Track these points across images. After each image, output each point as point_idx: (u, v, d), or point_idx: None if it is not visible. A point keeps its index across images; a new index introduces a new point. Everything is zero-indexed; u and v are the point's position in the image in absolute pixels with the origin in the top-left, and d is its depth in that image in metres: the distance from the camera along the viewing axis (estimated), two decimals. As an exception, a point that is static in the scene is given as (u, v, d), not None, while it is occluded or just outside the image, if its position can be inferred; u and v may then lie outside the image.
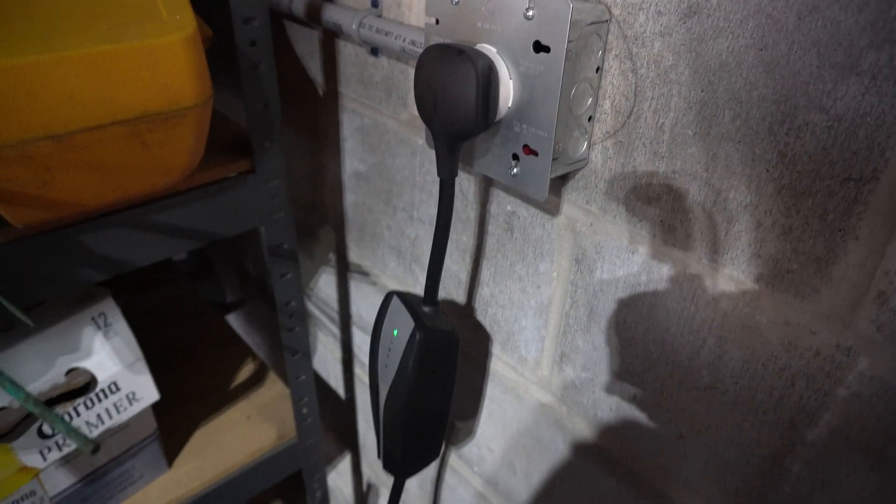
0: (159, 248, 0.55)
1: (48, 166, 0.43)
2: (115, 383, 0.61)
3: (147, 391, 0.65)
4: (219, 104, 0.86)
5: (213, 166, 0.58)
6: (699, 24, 0.37)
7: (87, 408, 0.61)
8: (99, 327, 0.60)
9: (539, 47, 0.39)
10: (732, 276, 0.41)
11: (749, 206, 0.38)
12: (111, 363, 0.60)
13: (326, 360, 1.04)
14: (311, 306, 1.00)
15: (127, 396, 0.62)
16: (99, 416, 0.62)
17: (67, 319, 0.59)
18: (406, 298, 0.52)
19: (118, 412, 0.63)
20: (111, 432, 0.66)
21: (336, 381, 1.03)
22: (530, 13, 0.39)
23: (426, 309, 0.51)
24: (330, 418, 1.11)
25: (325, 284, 0.92)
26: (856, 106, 0.32)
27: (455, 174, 0.45)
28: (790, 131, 0.35)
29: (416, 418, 0.53)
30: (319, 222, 0.87)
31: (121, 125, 0.44)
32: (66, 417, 0.60)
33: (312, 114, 0.77)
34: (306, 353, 0.75)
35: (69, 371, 0.59)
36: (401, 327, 0.50)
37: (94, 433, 0.62)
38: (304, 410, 0.79)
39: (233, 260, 1.25)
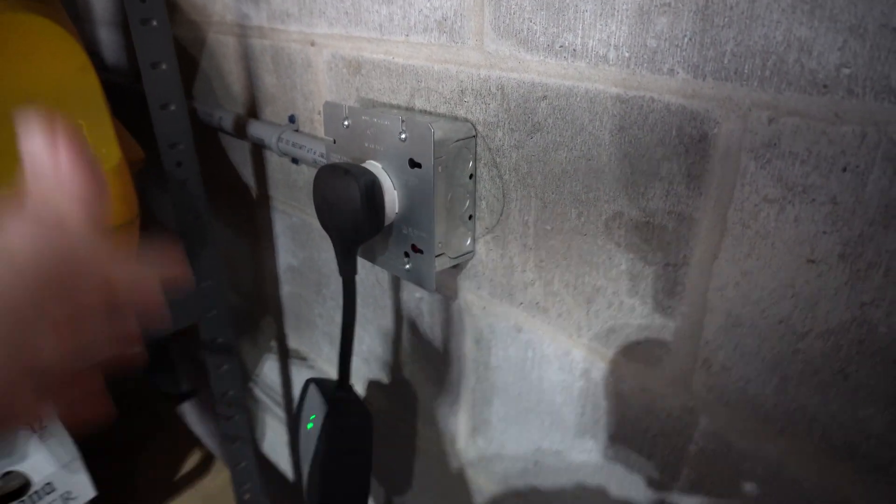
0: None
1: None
2: (49, 483, 0.63)
3: (83, 489, 0.67)
4: (159, 211, 0.92)
5: (146, 271, 0.62)
6: (542, 139, 0.44)
7: (22, 510, 0.63)
8: (34, 430, 0.63)
9: (413, 164, 0.46)
10: (598, 349, 0.46)
11: (601, 288, 0.44)
12: (46, 464, 0.63)
13: (275, 445, 1.05)
14: (258, 392, 1.02)
15: (62, 496, 0.64)
16: (35, 517, 0.64)
17: (5, 424, 0.62)
18: (322, 385, 0.56)
19: (54, 512, 0.65)
20: (50, 533, 0.67)
21: (285, 465, 1.05)
22: (403, 136, 0.46)
23: (340, 393, 0.55)
24: (284, 502, 1.11)
25: (270, 370, 0.96)
26: (663, 204, 0.39)
27: (354, 273, 0.51)
28: (620, 226, 0.42)
29: (335, 495, 0.56)
30: (261, 312, 0.91)
31: (50, 245, 0.49)
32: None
33: (249, 214, 0.83)
34: (247, 440, 0.78)
35: (4, 474, 0.61)
36: (317, 412, 0.54)
37: (32, 535, 0.63)
38: (247, 496, 0.81)
39: (187, 350, 1.27)
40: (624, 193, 0.41)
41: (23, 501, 0.62)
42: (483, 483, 0.62)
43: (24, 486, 0.63)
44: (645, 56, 0.37)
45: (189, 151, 0.60)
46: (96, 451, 0.68)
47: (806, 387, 0.36)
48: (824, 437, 0.36)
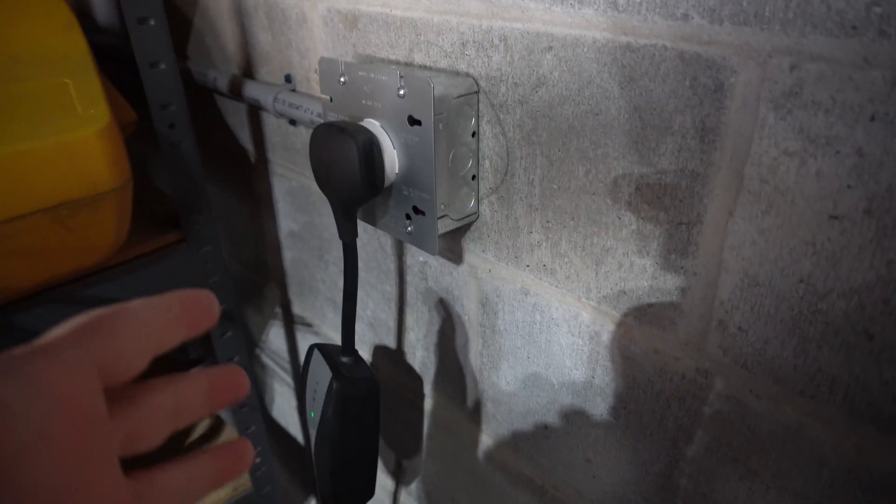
0: (94, 320, 0.58)
1: (-26, 257, 0.47)
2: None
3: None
4: (157, 176, 0.90)
5: (145, 239, 0.61)
6: (547, 93, 0.42)
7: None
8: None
9: (413, 121, 0.44)
10: (608, 312, 0.45)
11: (610, 249, 0.43)
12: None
13: (284, 410, 1.06)
14: (265, 358, 1.02)
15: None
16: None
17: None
18: (326, 350, 0.55)
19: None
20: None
21: (295, 429, 1.05)
22: (402, 92, 0.44)
23: (345, 359, 0.54)
24: (293, 465, 1.12)
25: (276, 337, 0.95)
26: (675, 160, 0.37)
27: (355, 236, 0.49)
28: (630, 184, 0.40)
29: (343, 461, 0.56)
30: (264, 279, 0.90)
31: (42, 213, 0.48)
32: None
33: (247, 179, 0.81)
34: (254, 406, 0.78)
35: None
36: (321, 378, 0.53)
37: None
38: (258, 460, 0.81)
39: (193, 317, 1.27)
40: (634, 149, 0.39)
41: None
42: (492, 445, 0.62)
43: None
44: (657, 1, 0.34)
45: (181, 112, 0.58)
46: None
47: (827, 348, 0.34)
48: (846, 399, 0.34)
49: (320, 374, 0.54)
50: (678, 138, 0.36)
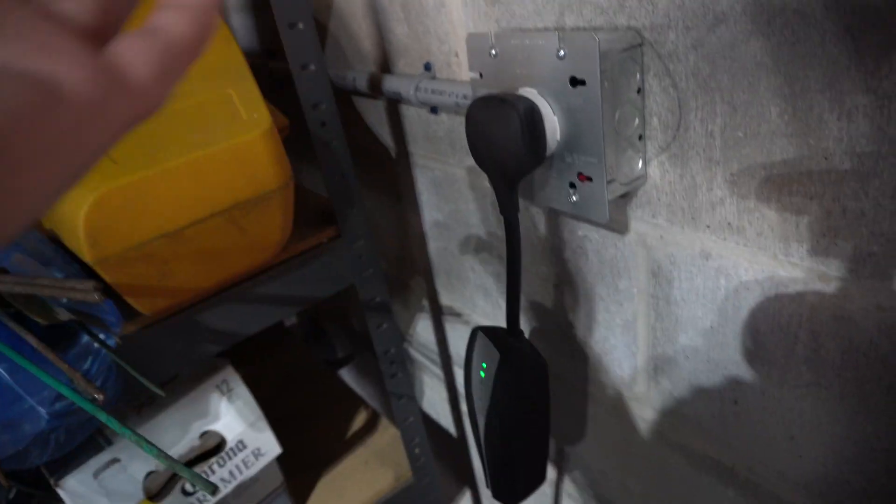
0: (265, 316, 0.61)
1: (165, 260, 0.50)
2: (241, 441, 0.67)
3: (270, 446, 0.71)
4: (306, 181, 0.94)
5: (303, 237, 0.63)
6: (728, 31, 0.38)
7: (220, 465, 0.67)
8: (223, 393, 0.67)
9: (575, 82, 0.42)
10: (813, 267, 0.40)
11: (816, 195, 0.38)
12: (236, 423, 0.67)
13: (435, 402, 1.07)
14: (413, 352, 1.04)
15: (253, 452, 0.69)
16: (231, 472, 0.69)
17: (196, 389, 0.67)
18: (490, 332, 0.54)
19: (247, 467, 0.70)
20: (243, 487, 0.72)
21: (447, 421, 1.06)
22: (561, 52, 0.41)
23: (510, 339, 0.53)
24: (447, 458, 1.13)
25: (423, 330, 0.96)
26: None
27: (517, 211, 0.48)
28: (841, 116, 0.35)
29: (516, 444, 0.54)
30: (410, 273, 0.92)
31: (219, 215, 0.51)
32: (204, 476, 0.67)
33: (389, 175, 0.83)
34: (411, 397, 0.78)
35: (202, 434, 0.66)
36: (488, 360, 0.52)
37: (228, 488, 0.68)
38: (417, 451, 0.82)
39: (339, 320, 1.32)
40: (846, 76, 0.34)
41: (221, 457, 0.67)
42: (669, 427, 0.58)
43: (220, 444, 0.67)
44: None
45: (332, 110, 0.59)
46: (270, 417, 0.72)
47: None
48: None
49: (487, 357, 0.53)
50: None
